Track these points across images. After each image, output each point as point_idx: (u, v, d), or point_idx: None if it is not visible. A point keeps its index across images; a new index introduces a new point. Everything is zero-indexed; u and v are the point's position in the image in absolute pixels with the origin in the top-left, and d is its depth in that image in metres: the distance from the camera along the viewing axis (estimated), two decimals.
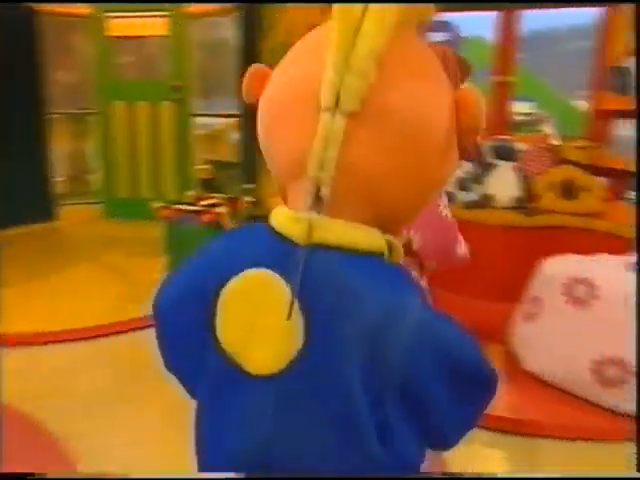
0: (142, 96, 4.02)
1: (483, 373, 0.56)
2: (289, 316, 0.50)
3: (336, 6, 0.50)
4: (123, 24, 3.96)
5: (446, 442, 0.58)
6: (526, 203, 2.72)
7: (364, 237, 0.52)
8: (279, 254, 0.52)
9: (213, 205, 2.82)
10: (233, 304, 0.54)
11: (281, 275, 0.52)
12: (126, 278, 3.03)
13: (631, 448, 1.66)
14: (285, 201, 0.57)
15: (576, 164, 2.83)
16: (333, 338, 0.51)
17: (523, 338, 1.97)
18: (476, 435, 1.61)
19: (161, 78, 4.09)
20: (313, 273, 0.50)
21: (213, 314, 0.55)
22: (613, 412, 1.75)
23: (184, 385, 0.62)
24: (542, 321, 1.89)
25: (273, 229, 0.54)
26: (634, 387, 1.70)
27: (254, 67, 0.61)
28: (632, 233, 2.40)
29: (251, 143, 3.30)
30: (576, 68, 3.42)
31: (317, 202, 0.49)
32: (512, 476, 1.49)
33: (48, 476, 1.29)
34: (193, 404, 0.61)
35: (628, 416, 1.72)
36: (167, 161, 4.14)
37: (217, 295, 0.54)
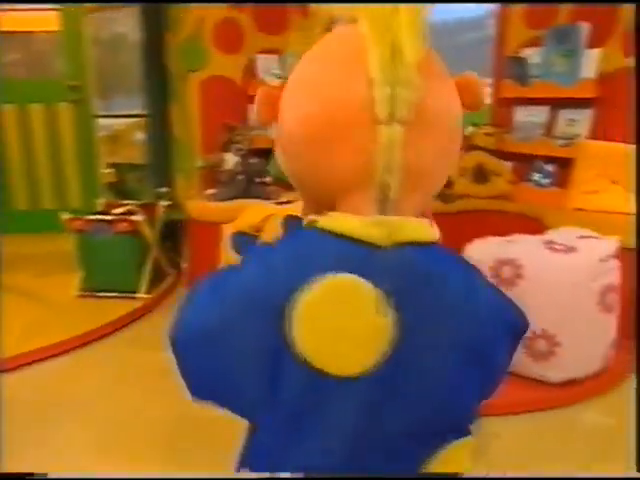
0: (35, 97, 3.70)
1: (527, 325, 0.70)
2: (382, 314, 0.53)
3: (364, 16, 0.53)
4: (8, 18, 3.58)
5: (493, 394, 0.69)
6: (443, 189, 2.82)
7: (427, 230, 0.58)
8: (357, 258, 0.55)
9: (128, 213, 2.65)
10: (316, 312, 0.54)
11: (366, 278, 0.54)
12: (37, 301, 2.73)
13: (567, 413, 1.80)
14: (319, 212, 0.59)
15: (484, 150, 2.99)
16: (427, 325, 0.56)
17: None
18: None
19: (56, 77, 3.77)
20: (398, 270, 0.54)
21: (287, 323, 0.54)
22: (543, 382, 1.87)
23: (238, 410, 0.60)
24: None
25: (338, 235, 0.55)
26: (560, 357, 1.83)
27: (262, 92, 0.62)
28: (540, 213, 2.59)
29: (160, 143, 3.13)
30: (470, 59, 3.58)
31: (384, 205, 0.54)
32: (515, 476, 1.52)
33: (48, 476, 1.27)
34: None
35: (557, 385, 1.85)
36: (69, 167, 3.83)
37: (292, 304, 0.54)
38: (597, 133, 2.67)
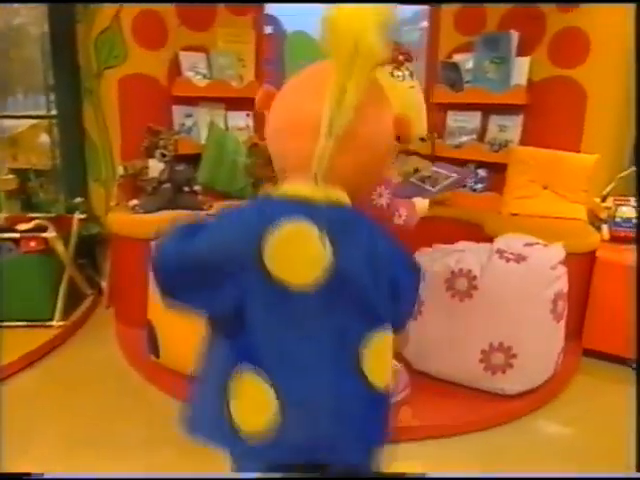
0: None
1: (420, 268, 0.98)
2: (322, 245, 0.82)
3: (334, 62, 0.80)
4: None
5: (404, 321, 0.99)
6: None
7: (344, 198, 0.88)
8: (307, 210, 0.83)
9: (37, 229, 2.32)
10: (283, 243, 0.82)
11: (312, 222, 0.83)
12: None
13: (526, 424, 1.77)
14: (277, 182, 0.93)
15: (419, 155, 2.97)
16: (351, 253, 0.85)
17: (410, 340, 1.96)
18: (392, 452, 1.55)
19: None
20: (331, 218, 0.83)
21: (260, 253, 0.82)
22: (501, 396, 1.83)
23: (209, 309, 0.88)
24: (426, 319, 1.89)
25: (293, 196, 0.86)
26: (517, 369, 1.80)
27: (266, 88, 0.95)
28: (479, 218, 2.59)
29: (72, 148, 2.80)
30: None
31: (316, 184, 0.83)
32: (518, 476, 1.52)
33: (45, 476, 1.33)
34: None
35: (513, 397, 1.83)
36: None
37: (264, 240, 0.82)
38: (527, 139, 2.73)
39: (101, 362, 2.16)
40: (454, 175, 1.70)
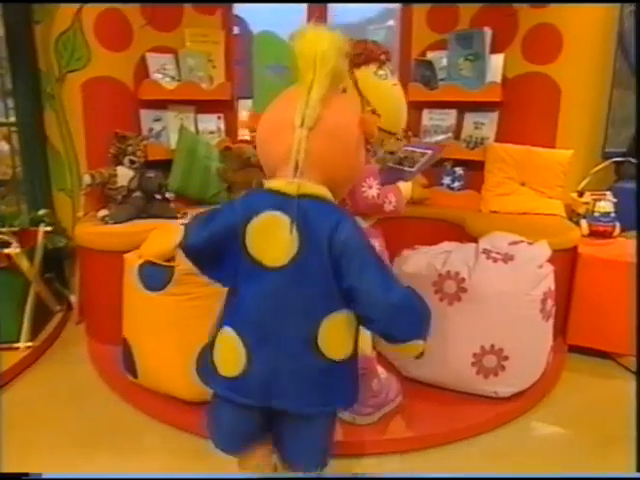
0: None
1: (386, 269, 1.10)
2: (291, 232, 1.02)
3: (299, 80, 1.06)
4: None
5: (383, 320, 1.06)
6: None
7: (322, 191, 1.05)
8: (280, 202, 1.03)
9: (0, 244, 2.17)
10: (259, 230, 1.05)
11: (283, 213, 1.03)
12: None
13: (521, 425, 1.75)
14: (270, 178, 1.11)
15: (393, 154, 2.93)
16: (315, 242, 1.02)
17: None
18: (387, 464, 1.51)
19: None
20: (301, 210, 1.02)
21: (243, 237, 1.05)
22: (493, 399, 1.80)
23: (221, 279, 1.14)
24: None
25: (271, 190, 1.06)
26: (509, 371, 1.77)
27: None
28: (459, 217, 2.57)
29: (34, 157, 2.64)
30: None
31: (295, 174, 1.03)
32: (522, 476, 1.53)
33: (43, 476, 1.34)
34: None
35: (505, 399, 1.80)
36: None
37: (245, 227, 1.05)
38: (503, 136, 2.72)
39: (74, 384, 2.02)
40: (428, 151, 1.69)
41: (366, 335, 1.53)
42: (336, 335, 1.05)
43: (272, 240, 1.03)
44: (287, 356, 1.04)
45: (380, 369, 1.73)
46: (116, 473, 1.52)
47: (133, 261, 1.83)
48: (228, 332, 1.07)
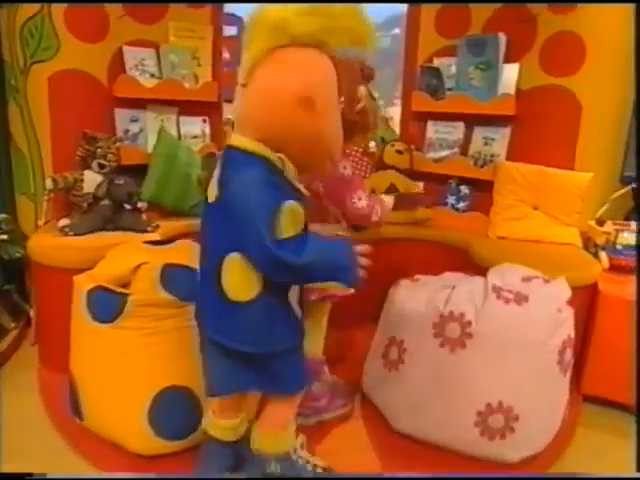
0: None
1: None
2: (216, 178, 1.18)
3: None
4: None
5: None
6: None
7: (250, 145, 1.12)
8: (223, 154, 1.20)
9: None
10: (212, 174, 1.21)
11: (219, 160, 1.20)
12: None
13: None
14: None
15: (396, 169, 2.68)
16: (227, 185, 1.12)
17: (387, 392, 1.65)
18: None
19: None
20: (225, 159, 1.17)
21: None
22: (499, 463, 1.53)
23: None
24: (409, 370, 1.59)
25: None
26: (519, 433, 1.50)
27: None
28: (464, 242, 2.31)
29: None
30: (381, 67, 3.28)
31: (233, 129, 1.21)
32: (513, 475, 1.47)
33: (48, 476, 1.33)
34: None
35: (514, 465, 1.53)
36: None
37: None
38: (515, 154, 2.47)
39: (18, 416, 1.73)
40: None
41: (319, 338, 1.68)
42: (234, 275, 1.14)
43: (212, 182, 1.19)
44: (203, 293, 1.23)
45: (328, 375, 1.76)
46: (116, 473, 1.48)
47: (83, 284, 1.56)
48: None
